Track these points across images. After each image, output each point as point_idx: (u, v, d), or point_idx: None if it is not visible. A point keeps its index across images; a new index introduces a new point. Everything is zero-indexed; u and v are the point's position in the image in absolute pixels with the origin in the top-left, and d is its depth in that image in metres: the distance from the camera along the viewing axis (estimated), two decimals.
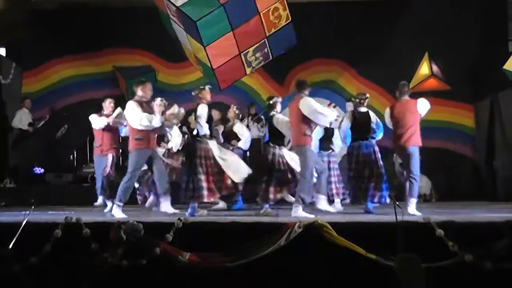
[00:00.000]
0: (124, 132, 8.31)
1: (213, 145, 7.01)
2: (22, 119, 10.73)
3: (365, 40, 11.05)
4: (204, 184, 6.77)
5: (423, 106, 6.97)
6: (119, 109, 7.82)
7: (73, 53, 11.84)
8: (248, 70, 8.28)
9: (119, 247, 4.84)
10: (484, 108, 10.94)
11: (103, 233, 4.91)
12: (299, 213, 6.46)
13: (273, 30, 7.92)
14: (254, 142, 10.27)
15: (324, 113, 6.76)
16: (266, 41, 7.97)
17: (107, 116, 7.92)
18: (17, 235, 4.79)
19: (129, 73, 11.61)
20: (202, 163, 6.83)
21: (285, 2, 7.82)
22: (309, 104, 6.70)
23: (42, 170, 10.93)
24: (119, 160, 8.37)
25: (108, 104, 7.99)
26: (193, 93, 7.17)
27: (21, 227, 4.84)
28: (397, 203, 4.78)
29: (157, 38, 9.78)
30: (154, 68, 11.82)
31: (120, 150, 10.40)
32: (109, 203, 7.87)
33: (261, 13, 7.67)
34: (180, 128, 8.29)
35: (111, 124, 7.85)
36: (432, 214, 6.11)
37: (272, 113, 7.28)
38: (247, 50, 7.93)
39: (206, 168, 6.84)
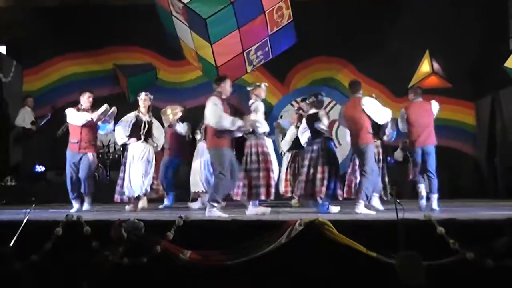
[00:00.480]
0: (106, 129, 7.97)
1: (269, 142, 7.03)
2: (25, 117, 10.71)
3: (366, 37, 11.01)
4: (262, 182, 6.74)
5: (435, 108, 7.30)
6: (105, 106, 7.52)
7: (74, 51, 11.78)
8: (249, 68, 8.32)
9: (120, 245, 4.84)
10: (485, 106, 10.93)
11: (104, 231, 4.91)
12: (361, 209, 6.49)
13: (275, 29, 7.94)
14: None
15: (385, 112, 6.89)
16: (268, 39, 7.98)
17: (86, 110, 7.51)
18: (18, 233, 4.79)
19: (130, 71, 11.61)
20: (259, 160, 6.80)
21: (288, 1, 7.83)
22: (373, 103, 6.80)
23: (43, 168, 10.92)
24: (99, 158, 8.13)
25: (86, 99, 7.56)
26: (248, 88, 7.05)
27: (22, 225, 4.83)
28: (397, 200, 4.78)
29: (158, 36, 9.76)
30: (155, 66, 11.81)
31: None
32: (86, 204, 7.57)
33: (266, 12, 7.69)
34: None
35: (94, 120, 7.47)
36: (433, 212, 6.11)
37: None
38: (250, 49, 7.95)
39: (264, 165, 6.79)
